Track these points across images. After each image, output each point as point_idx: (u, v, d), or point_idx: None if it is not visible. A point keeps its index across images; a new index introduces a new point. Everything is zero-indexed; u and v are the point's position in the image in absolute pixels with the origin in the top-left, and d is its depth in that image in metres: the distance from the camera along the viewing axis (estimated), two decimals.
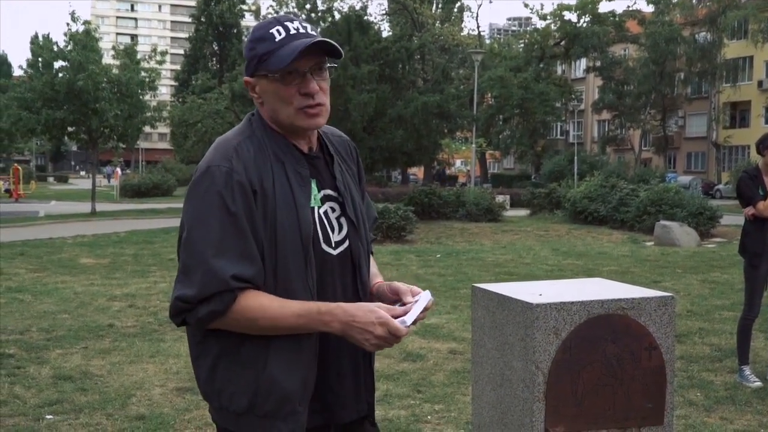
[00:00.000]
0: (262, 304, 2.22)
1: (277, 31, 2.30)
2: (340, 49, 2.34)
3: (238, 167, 2.25)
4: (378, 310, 2.25)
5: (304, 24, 2.35)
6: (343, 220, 2.46)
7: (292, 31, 2.31)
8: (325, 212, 2.42)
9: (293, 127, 2.37)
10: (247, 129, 2.39)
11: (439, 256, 17.63)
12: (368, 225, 2.63)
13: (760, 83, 63.06)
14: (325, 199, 2.43)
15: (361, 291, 2.47)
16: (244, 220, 2.22)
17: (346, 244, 2.45)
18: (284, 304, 2.24)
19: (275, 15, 2.48)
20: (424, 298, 2.38)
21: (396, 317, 2.27)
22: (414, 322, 2.31)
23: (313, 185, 2.40)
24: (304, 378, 2.30)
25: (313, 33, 2.34)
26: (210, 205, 2.23)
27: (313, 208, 2.37)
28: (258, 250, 2.25)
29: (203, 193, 2.25)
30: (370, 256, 2.64)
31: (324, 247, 2.38)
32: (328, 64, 2.38)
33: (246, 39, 2.42)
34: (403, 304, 2.39)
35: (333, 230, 2.43)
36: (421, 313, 2.34)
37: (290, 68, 2.27)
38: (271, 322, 2.23)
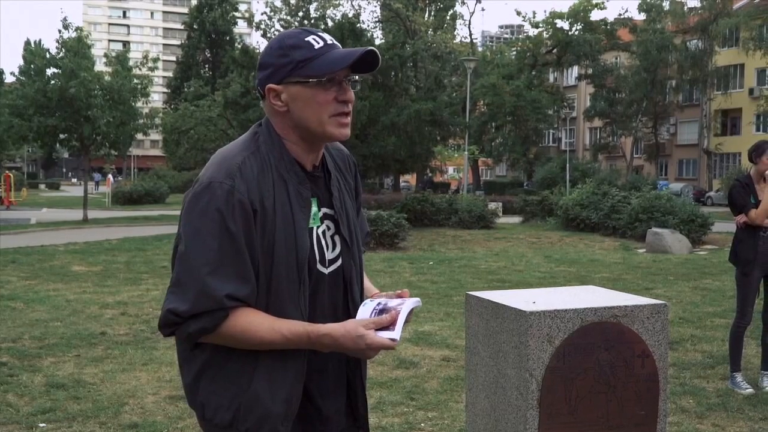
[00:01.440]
0: (252, 323, 2.23)
1: (314, 40, 2.33)
2: (379, 62, 2.37)
3: (240, 186, 2.24)
4: (365, 334, 2.24)
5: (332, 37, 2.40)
6: (336, 238, 2.47)
7: (329, 41, 2.35)
8: (323, 231, 2.43)
9: (323, 136, 2.38)
10: (252, 144, 2.38)
11: (431, 263, 17.64)
12: (361, 240, 2.64)
13: (751, 91, 63.23)
14: (323, 218, 2.44)
15: (352, 309, 2.47)
16: (242, 240, 2.22)
17: (339, 262, 2.47)
18: (274, 325, 2.24)
19: (302, 27, 2.50)
20: (409, 304, 2.38)
21: (382, 327, 2.28)
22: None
23: (314, 204, 2.41)
24: (288, 398, 2.31)
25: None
26: (209, 221, 2.22)
27: (311, 228, 2.38)
28: (253, 270, 2.25)
29: (203, 208, 2.24)
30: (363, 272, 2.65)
31: (319, 267, 2.39)
32: (354, 78, 2.40)
33: (269, 47, 2.39)
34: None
35: (327, 248, 2.44)
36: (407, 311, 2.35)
37: (333, 75, 2.31)
38: (259, 341, 2.24)
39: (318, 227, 2.41)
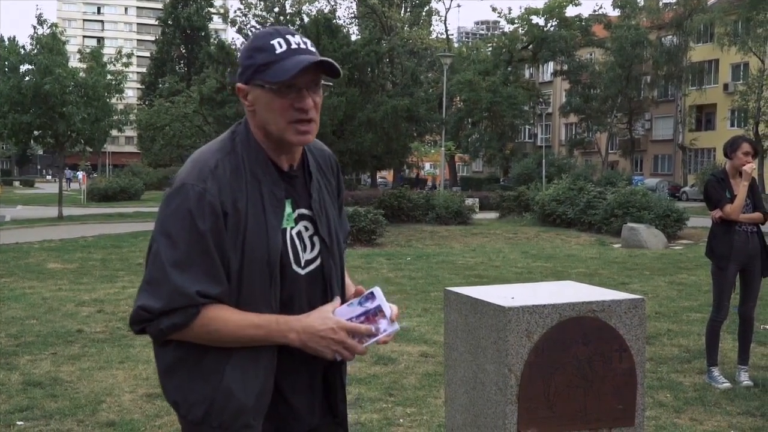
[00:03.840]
0: (222, 317, 2.24)
1: (278, 43, 2.32)
2: (340, 70, 2.36)
3: (212, 188, 2.26)
4: (331, 316, 2.32)
5: (305, 39, 2.38)
6: (315, 239, 2.48)
7: (293, 45, 2.33)
8: (299, 232, 2.43)
9: (282, 141, 2.38)
10: (229, 144, 2.39)
11: (409, 259, 17.66)
12: (342, 239, 2.65)
13: (725, 86, 63.68)
14: (299, 219, 2.44)
15: None
16: (211, 241, 2.24)
17: (318, 262, 2.47)
18: (244, 317, 2.26)
19: (275, 26, 2.50)
20: (390, 330, 2.39)
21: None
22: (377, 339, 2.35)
23: (288, 205, 2.41)
24: (260, 392, 2.32)
25: (313, 49, 2.36)
26: (180, 222, 2.24)
27: (285, 229, 2.38)
28: (224, 271, 2.27)
29: (174, 209, 2.26)
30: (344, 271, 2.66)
31: (294, 267, 2.39)
32: (324, 82, 2.40)
33: (243, 46, 2.44)
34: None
35: (305, 249, 2.44)
36: (384, 336, 2.36)
37: (288, 82, 2.29)
38: (230, 334, 2.25)
39: (292, 228, 2.41)
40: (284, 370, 2.37)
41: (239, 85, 2.39)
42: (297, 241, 2.42)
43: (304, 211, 2.46)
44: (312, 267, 2.45)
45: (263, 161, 2.38)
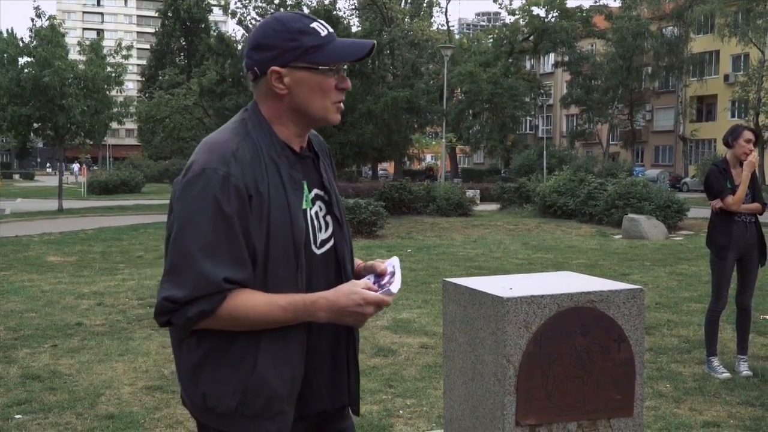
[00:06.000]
0: (249, 300, 2.23)
1: (318, 27, 2.39)
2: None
3: (236, 171, 2.25)
4: (359, 291, 2.29)
5: None
6: (328, 218, 2.50)
7: (330, 30, 2.42)
8: (315, 212, 2.45)
9: (322, 120, 2.44)
10: (242, 130, 2.38)
11: (410, 250, 17.65)
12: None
13: (726, 77, 63.60)
14: (314, 199, 2.46)
15: None
16: (237, 224, 2.22)
17: (332, 242, 2.49)
18: (271, 300, 2.25)
19: (298, 12, 2.52)
20: (395, 266, 2.49)
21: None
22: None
23: (305, 186, 2.42)
24: (293, 377, 2.32)
25: None
26: (204, 206, 2.22)
27: (305, 210, 2.40)
28: (249, 255, 2.25)
29: (197, 194, 2.23)
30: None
31: (312, 248, 2.41)
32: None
33: (271, 29, 2.38)
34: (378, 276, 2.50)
35: (320, 230, 2.46)
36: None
37: (337, 64, 2.39)
38: (257, 317, 2.24)
39: (311, 209, 2.43)
40: (309, 350, 2.37)
41: (275, 68, 2.36)
42: (315, 222, 2.44)
43: (317, 191, 2.49)
44: (326, 247, 2.48)
45: (279, 145, 2.39)
